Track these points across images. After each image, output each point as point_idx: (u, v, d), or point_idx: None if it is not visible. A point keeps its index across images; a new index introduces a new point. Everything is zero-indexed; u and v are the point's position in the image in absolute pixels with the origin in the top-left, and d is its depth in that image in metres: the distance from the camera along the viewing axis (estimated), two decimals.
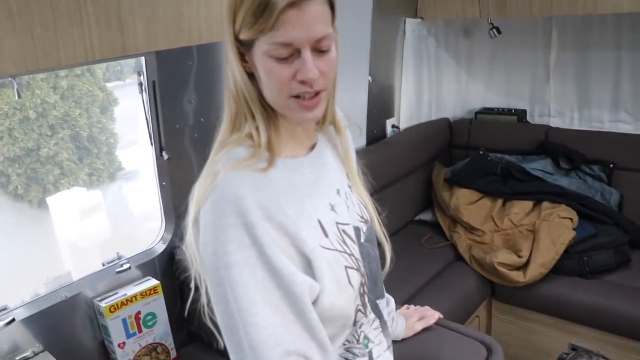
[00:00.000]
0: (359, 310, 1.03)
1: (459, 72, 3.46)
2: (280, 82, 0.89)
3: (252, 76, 0.95)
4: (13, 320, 1.77)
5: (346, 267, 0.98)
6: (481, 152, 3.08)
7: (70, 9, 1.22)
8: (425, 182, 3.17)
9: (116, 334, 1.96)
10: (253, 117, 0.96)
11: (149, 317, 2.03)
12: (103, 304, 1.94)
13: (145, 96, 2.00)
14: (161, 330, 2.07)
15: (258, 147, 0.95)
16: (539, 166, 2.94)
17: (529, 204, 2.77)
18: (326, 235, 0.97)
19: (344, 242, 1.01)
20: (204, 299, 0.98)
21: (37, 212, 4.19)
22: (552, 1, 2.59)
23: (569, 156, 2.93)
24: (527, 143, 3.12)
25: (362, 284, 1.02)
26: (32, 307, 1.86)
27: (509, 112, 3.32)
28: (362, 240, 1.07)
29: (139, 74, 1.98)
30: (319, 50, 0.89)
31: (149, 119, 2.03)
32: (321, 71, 0.89)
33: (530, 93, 3.29)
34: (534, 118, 3.31)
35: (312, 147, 1.06)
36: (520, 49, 3.22)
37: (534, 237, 2.55)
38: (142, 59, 1.93)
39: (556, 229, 2.53)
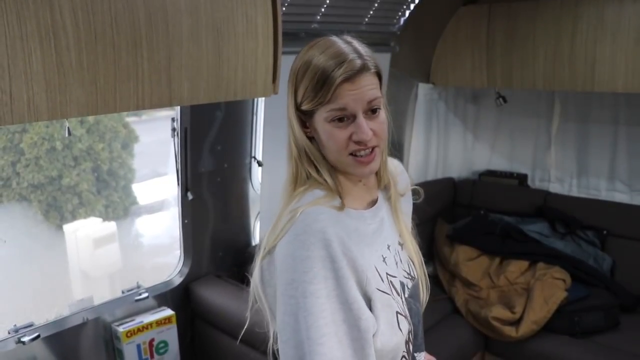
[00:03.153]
0: (404, 357, 1.07)
1: (465, 135, 3.66)
2: (339, 143, 1.01)
3: (312, 140, 1.07)
4: (38, 336, 1.91)
5: (397, 312, 1.03)
6: (482, 212, 3.24)
7: (129, 66, 1.41)
8: (428, 237, 3.31)
9: (130, 358, 2.09)
10: (317, 172, 1.06)
11: (162, 344, 2.17)
12: (121, 329, 2.08)
13: (177, 140, 2.19)
14: (171, 358, 2.19)
15: (329, 190, 1.04)
16: (536, 229, 3.09)
17: (524, 264, 2.91)
18: (382, 280, 1.04)
19: (394, 290, 1.07)
20: (270, 335, 1.07)
21: (53, 237, 4.33)
22: (555, 77, 2.79)
23: (566, 221, 3.09)
24: (527, 206, 3.28)
25: (409, 332, 1.07)
26: (56, 326, 2.00)
27: (511, 175, 3.49)
28: (406, 295, 1.12)
29: (173, 120, 2.19)
30: (370, 112, 1.01)
31: (179, 161, 2.22)
32: (373, 131, 1.01)
33: (532, 159, 3.47)
34: (535, 182, 3.48)
35: (373, 203, 1.13)
36: (524, 117, 3.43)
37: (528, 295, 2.68)
38: (178, 107, 2.14)
39: (549, 289, 2.66)
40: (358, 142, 1.01)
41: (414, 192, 1.29)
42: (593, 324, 2.62)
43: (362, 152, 1.02)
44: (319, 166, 1.06)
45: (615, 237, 3.00)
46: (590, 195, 3.26)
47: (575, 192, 3.32)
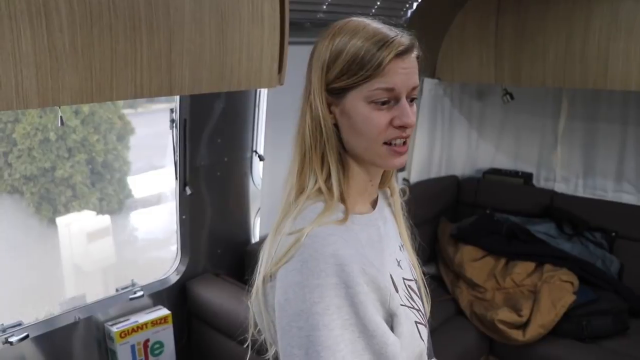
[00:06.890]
0: None
1: (470, 132, 3.57)
2: (378, 127, 0.90)
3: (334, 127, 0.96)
4: (27, 336, 1.82)
5: (416, 322, 0.96)
6: (488, 211, 3.16)
7: (127, 51, 1.32)
8: (431, 236, 3.23)
9: (124, 359, 2.00)
10: (322, 170, 0.94)
11: (157, 345, 2.09)
12: (114, 329, 1.99)
13: (176, 132, 2.10)
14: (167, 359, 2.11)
15: (330, 200, 0.93)
16: (543, 229, 3.02)
17: (531, 265, 2.83)
18: (397, 290, 0.94)
19: (411, 298, 0.99)
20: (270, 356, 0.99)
21: (45, 231, 4.24)
22: (565, 74, 2.70)
23: (573, 222, 3.01)
24: (533, 206, 3.20)
25: (429, 339, 1.00)
26: (46, 325, 1.91)
27: (515, 174, 3.42)
28: None
29: (172, 111, 2.09)
30: (411, 99, 0.92)
31: (177, 154, 2.13)
32: None
33: (538, 158, 3.40)
34: (540, 182, 3.40)
35: (375, 203, 1.04)
36: (531, 115, 3.35)
37: (535, 297, 2.60)
38: (177, 97, 2.05)
39: (557, 292, 2.59)
40: (399, 127, 0.90)
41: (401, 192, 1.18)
42: (601, 328, 2.55)
43: (398, 141, 0.92)
44: (330, 159, 0.94)
45: (624, 239, 2.93)
46: (596, 195, 3.19)
47: (580, 192, 3.25)
